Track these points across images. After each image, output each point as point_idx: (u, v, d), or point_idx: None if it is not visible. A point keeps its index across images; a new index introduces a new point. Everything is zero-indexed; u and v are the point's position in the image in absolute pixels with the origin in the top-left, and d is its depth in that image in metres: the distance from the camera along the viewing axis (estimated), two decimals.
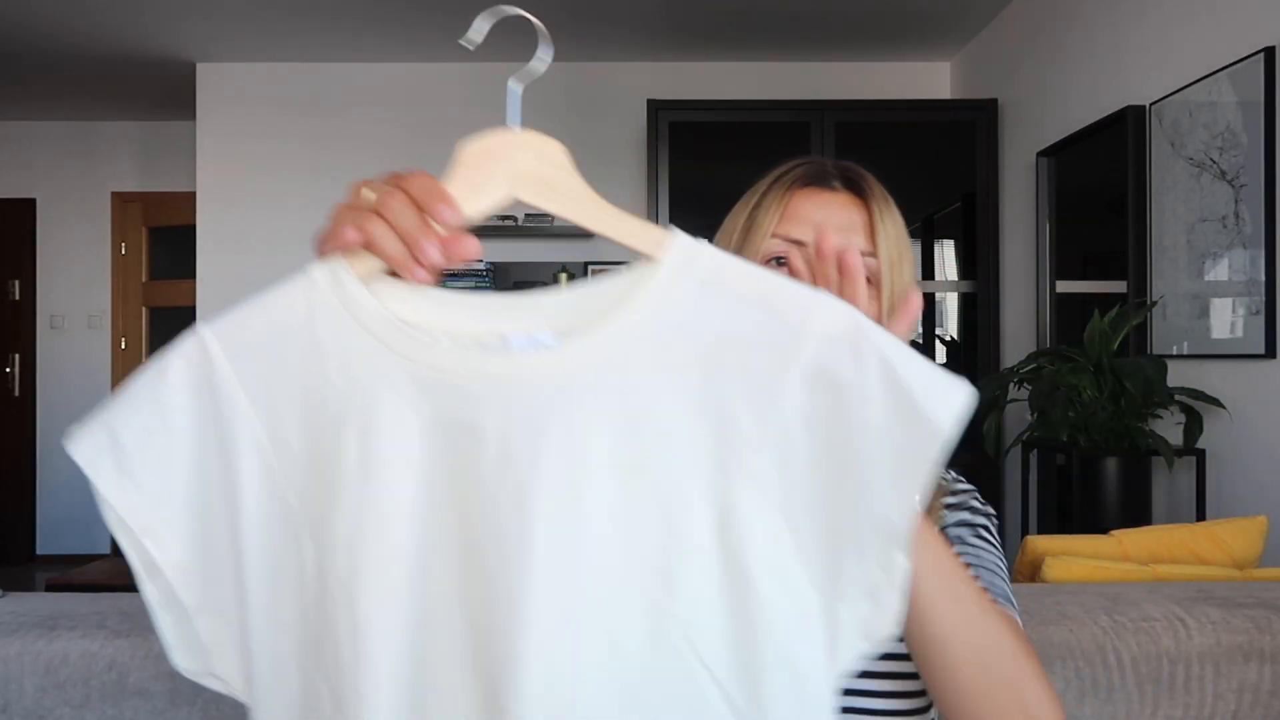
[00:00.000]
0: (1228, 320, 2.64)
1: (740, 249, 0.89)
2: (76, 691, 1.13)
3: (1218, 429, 2.69)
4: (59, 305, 5.84)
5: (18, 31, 4.31)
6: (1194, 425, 2.63)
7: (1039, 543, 1.61)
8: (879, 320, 0.81)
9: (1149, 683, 1.17)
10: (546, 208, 0.61)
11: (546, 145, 0.61)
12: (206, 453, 0.58)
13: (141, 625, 1.17)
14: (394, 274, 0.59)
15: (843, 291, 0.73)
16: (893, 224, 0.88)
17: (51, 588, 3.44)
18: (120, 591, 1.34)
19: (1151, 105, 2.96)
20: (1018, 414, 3.53)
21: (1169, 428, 2.74)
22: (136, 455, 0.58)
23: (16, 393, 5.80)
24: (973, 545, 0.90)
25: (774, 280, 0.58)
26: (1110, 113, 3.16)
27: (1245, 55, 2.55)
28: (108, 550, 5.41)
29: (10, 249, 5.81)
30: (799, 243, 0.87)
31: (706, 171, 4.59)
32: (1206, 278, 2.72)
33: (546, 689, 0.54)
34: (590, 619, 0.55)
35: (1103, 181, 3.35)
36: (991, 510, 0.95)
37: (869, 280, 0.85)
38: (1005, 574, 0.89)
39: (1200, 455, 2.67)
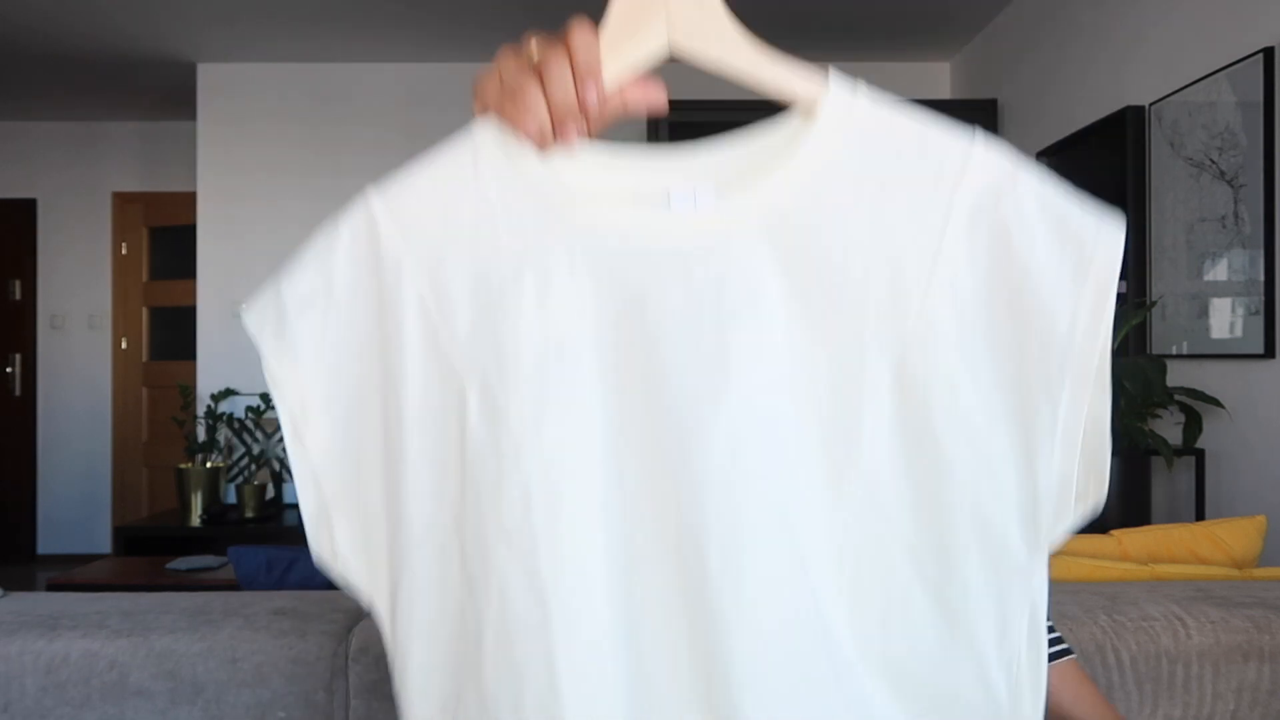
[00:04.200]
0: (1227, 320, 2.64)
1: None
2: (77, 691, 1.13)
3: (1217, 429, 2.69)
4: (59, 305, 5.84)
5: (18, 31, 4.31)
6: (1193, 425, 2.63)
7: None
8: None
9: (1148, 682, 1.18)
10: (703, 57, 0.60)
11: None
12: (368, 325, 0.57)
13: (142, 625, 1.17)
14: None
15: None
16: None
17: (52, 587, 3.44)
18: (121, 591, 1.35)
19: (1151, 105, 2.96)
20: None
21: (1168, 427, 2.74)
22: (298, 323, 0.58)
23: (17, 392, 5.80)
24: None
25: (927, 123, 0.57)
26: (1110, 113, 3.16)
27: (1244, 55, 2.55)
28: (108, 550, 5.41)
29: (11, 249, 5.81)
30: None
31: None
32: (1206, 278, 2.72)
33: (727, 533, 0.53)
34: (770, 470, 0.54)
35: (1102, 182, 3.35)
36: None
37: None
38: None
39: (1200, 455, 2.67)
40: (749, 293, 0.55)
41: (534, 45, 0.59)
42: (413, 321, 0.56)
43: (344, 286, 0.57)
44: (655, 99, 0.59)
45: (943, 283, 0.54)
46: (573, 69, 0.56)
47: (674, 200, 0.59)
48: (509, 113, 0.57)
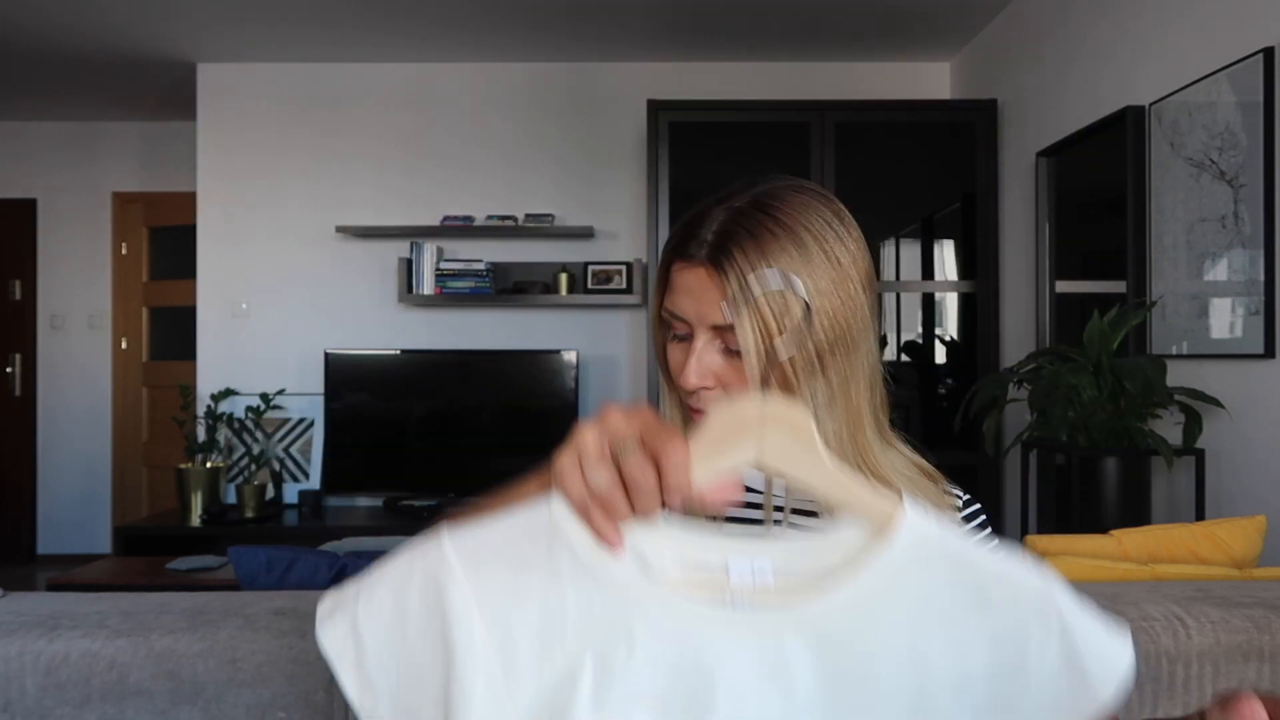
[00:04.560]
0: (1227, 320, 2.64)
1: (657, 308, 0.91)
2: (77, 691, 1.13)
3: (1217, 429, 2.69)
4: (59, 305, 5.84)
5: (18, 32, 4.31)
6: (1193, 425, 2.63)
7: (1038, 542, 1.62)
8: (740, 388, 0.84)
9: (1148, 682, 1.18)
10: (789, 477, 0.63)
11: (796, 419, 0.62)
12: (438, 671, 0.59)
13: (142, 625, 1.17)
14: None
15: None
16: (770, 281, 0.81)
17: (52, 587, 3.44)
18: (121, 591, 1.34)
19: (1151, 105, 2.96)
20: (1017, 414, 3.53)
21: (1168, 427, 2.74)
22: (374, 656, 0.60)
23: (17, 392, 5.80)
24: None
25: (980, 555, 0.62)
26: (1110, 113, 3.16)
27: (1244, 55, 2.55)
28: (108, 550, 5.42)
29: (10, 249, 5.81)
30: (681, 319, 0.87)
31: (706, 172, 4.59)
32: (1206, 278, 2.72)
33: None
34: None
35: (1102, 181, 3.35)
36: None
37: (734, 350, 0.85)
38: None
39: (1199, 455, 2.67)
40: (788, 685, 0.59)
41: (620, 432, 0.60)
42: (480, 684, 0.59)
43: (417, 633, 0.60)
44: (733, 498, 0.61)
45: (960, 692, 0.60)
46: (661, 485, 0.58)
47: (732, 570, 0.62)
48: (594, 519, 0.59)
